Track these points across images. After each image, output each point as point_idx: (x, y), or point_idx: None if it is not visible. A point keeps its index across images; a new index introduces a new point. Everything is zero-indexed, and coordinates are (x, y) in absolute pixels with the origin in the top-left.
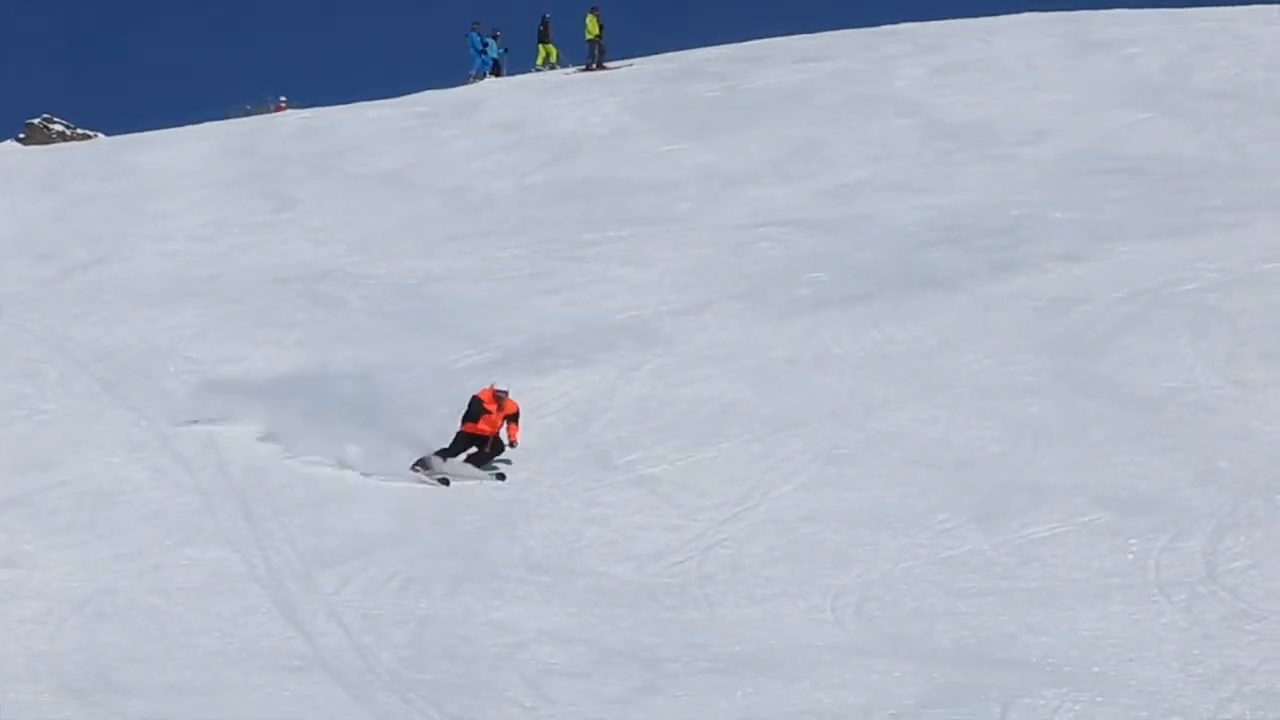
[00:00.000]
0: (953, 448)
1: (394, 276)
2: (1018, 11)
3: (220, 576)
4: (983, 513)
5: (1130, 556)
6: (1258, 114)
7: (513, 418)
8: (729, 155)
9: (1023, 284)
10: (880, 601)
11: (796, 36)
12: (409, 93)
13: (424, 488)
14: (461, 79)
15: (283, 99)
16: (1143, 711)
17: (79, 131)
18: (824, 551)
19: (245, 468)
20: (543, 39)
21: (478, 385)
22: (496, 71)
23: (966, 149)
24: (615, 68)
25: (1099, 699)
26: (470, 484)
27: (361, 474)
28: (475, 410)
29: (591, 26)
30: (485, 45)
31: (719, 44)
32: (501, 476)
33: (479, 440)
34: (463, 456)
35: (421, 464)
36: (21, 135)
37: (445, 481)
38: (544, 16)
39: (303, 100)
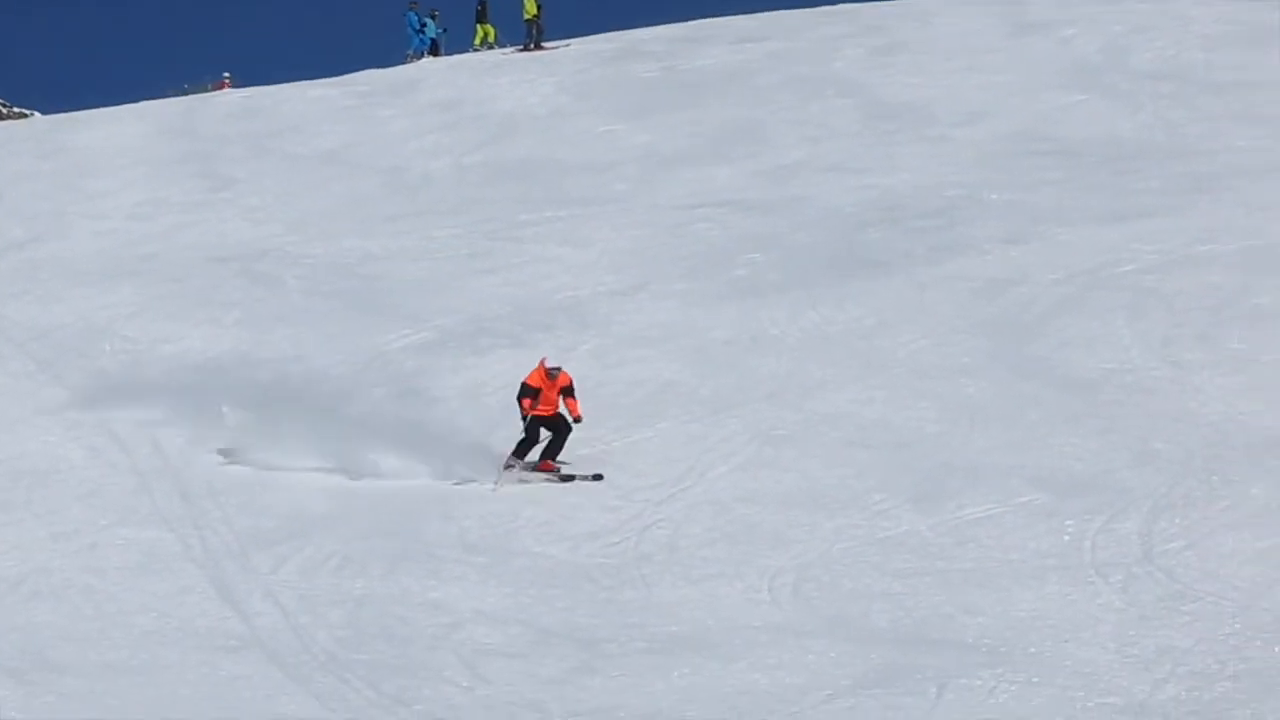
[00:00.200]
0: (890, 428)
1: (332, 256)
2: None
3: (156, 556)
4: (920, 493)
5: (1066, 537)
6: (1195, 95)
7: (568, 391)
8: (667, 136)
9: (960, 265)
10: (817, 582)
11: (737, 17)
12: (348, 71)
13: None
14: (400, 58)
15: (226, 75)
16: (1079, 692)
17: (15, 110)
18: (761, 532)
19: (181, 448)
20: (481, 18)
21: (416, 365)
22: (434, 51)
23: (905, 130)
24: (553, 48)
25: (1035, 679)
26: (403, 468)
27: (299, 455)
28: (532, 394)
29: (529, 6)
30: (423, 24)
31: (658, 24)
32: (599, 477)
33: (548, 423)
34: (540, 446)
35: (510, 465)
36: None
37: (599, 476)
38: None
39: (243, 79)
